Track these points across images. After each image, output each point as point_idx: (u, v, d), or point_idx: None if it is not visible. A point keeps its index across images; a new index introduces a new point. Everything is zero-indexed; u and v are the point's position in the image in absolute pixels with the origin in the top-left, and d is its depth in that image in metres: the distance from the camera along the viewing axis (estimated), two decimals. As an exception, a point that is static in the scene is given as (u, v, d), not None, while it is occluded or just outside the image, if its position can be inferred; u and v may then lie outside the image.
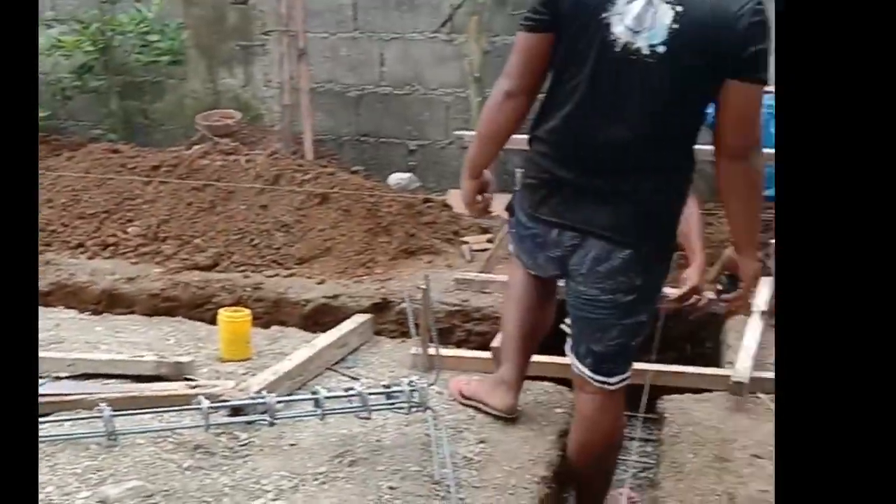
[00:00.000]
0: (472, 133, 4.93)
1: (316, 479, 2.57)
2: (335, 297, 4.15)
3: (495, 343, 3.32)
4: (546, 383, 3.20)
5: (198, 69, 6.31)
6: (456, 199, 5.29)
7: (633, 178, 2.32)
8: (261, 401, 2.70)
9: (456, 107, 5.84)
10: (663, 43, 2.18)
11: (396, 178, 5.69)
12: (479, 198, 2.62)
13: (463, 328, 4.04)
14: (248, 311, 3.51)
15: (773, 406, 3.02)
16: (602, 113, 2.29)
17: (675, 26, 2.17)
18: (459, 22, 5.61)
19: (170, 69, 6.27)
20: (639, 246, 2.34)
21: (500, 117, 2.46)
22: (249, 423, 2.77)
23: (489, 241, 4.68)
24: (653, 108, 2.25)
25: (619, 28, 2.21)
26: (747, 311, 3.53)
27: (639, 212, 2.33)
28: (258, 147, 5.42)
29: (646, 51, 2.20)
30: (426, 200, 5.10)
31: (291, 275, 4.36)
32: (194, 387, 2.99)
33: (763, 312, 3.58)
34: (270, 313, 4.17)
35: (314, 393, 2.74)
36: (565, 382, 3.04)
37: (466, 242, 4.72)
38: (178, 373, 3.17)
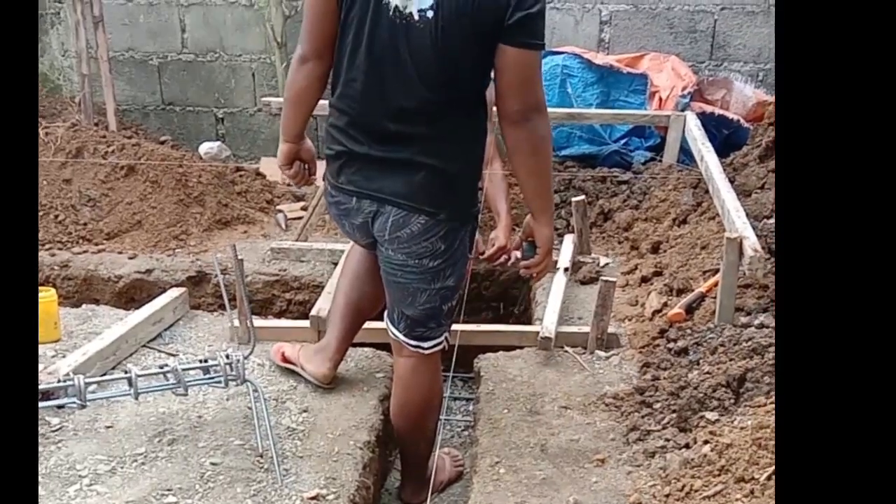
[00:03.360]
0: (279, 100, 4.93)
1: (135, 461, 2.53)
2: (148, 271, 4.05)
3: (314, 312, 3.35)
4: (367, 349, 3.25)
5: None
6: (270, 166, 5.24)
7: (420, 146, 2.34)
8: (70, 383, 2.60)
9: (262, 73, 5.75)
10: (430, 8, 2.20)
11: (206, 147, 5.56)
12: (297, 163, 2.62)
13: (283, 298, 4.04)
14: (53, 291, 3.37)
15: (579, 358, 3.21)
16: (382, 80, 2.30)
17: None
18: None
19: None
20: (434, 212, 2.38)
21: (298, 81, 2.46)
22: (59, 406, 2.67)
23: (303, 208, 4.67)
24: (428, 73, 2.26)
25: None
26: (547, 272, 3.70)
27: (429, 178, 2.35)
28: (58, 119, 5.15)
29: (416, 16, 2.21)
30: (238, 169, 5.02)
31: (101, 251, 4.20)
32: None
33: (566, 269, 3.76)
34: (81, 292, 4.03)
35: (126, 372, 2.67)
36: (385, 347, 3.11)
37: (281, 211, 4.69)
38: (-20, 360, 3.01)
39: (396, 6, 2.22)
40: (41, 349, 3.18)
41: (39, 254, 4.13)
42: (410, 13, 2.22)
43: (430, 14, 2.20)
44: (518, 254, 3.65)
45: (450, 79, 2.28)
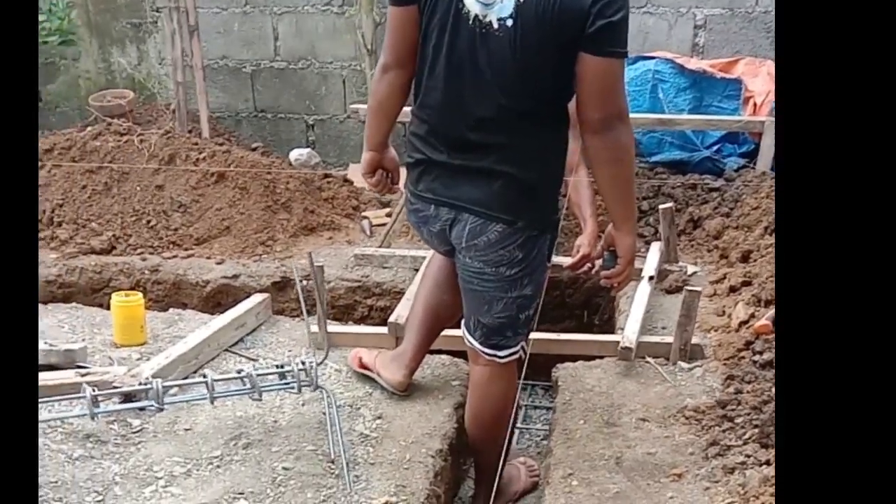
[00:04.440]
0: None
1: (210, 464, 2.57)
2: (235, 276, 4.13)
3: (392, 318, 3.34)
4: (443, 356, 3.24)
5: (90, 49, 6.13)
6: (356, 173, 5.29)
7: (498, 155, 2.32)
8: (149, 386, 2.66)
9: (352, 80, 5.81)
10: (511, 16, 2.18)
11: (296, 154, 5.65)
12: (380, 172, 2.62)
13: (364, 304, 4.06)
14: (140, 295, 3.46)
15: (660, 369, 3.12)
16: (461, 88, 2.29)
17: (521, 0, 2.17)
18: (350, -6, 5.58)
19: (60, 49, 6.08)
20: (511, 221, 2.36)
21: (381, 90, 2.48)
22: (140, 409, 2.73)
23: (388, 215, 4.69)
24: (507, 82, 2.24)
25: (471, 1, 2.21)
26: (629, 282, 3.62)
27: (506, 187, 2.34)
28: (153, 126, 5.30)
29: (496, 24, 2.19)
30: (325, 176, 5.07)
31: (190, 255, 4.30)
32: (84, 374, 2.93)
33: (650, 278, 3.68)
34: (170, 296, 4.13)
35: (203, 376, 2.72)
36: (462, 355, 3.09)
37: (366, 217, 4.72)
38: (70, 360, 3.11)
39: (476, 15, 2.21)
40: (127, 352, 3.27)
41: (131, 258, 4.26)
42: (490, 22, 2.20)
43: (509, 23, 2.19)
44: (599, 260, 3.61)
45: (529, 88, 2.26)
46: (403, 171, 2.63)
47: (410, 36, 2.35)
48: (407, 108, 2.51)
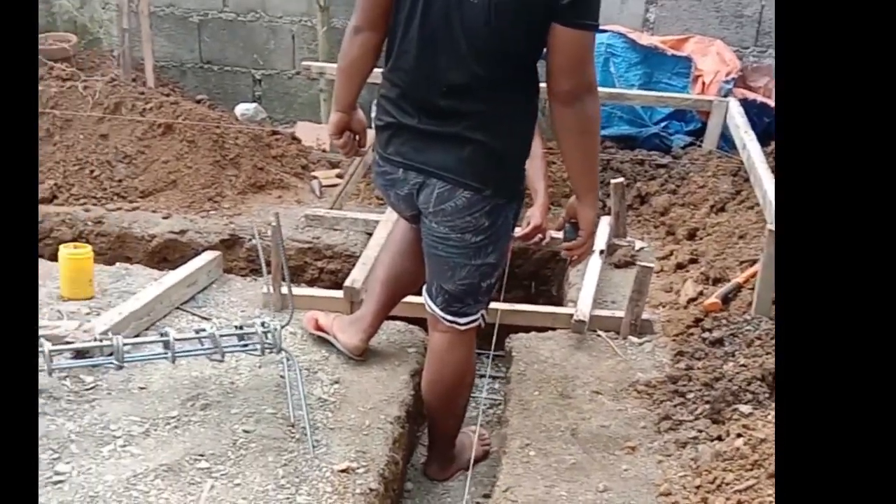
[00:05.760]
0: (319, 64, 4.91)
1: (168, 424, 2.55)
2: (182, 232, 4.06)
3: (348, 282, 3.34)
4: (399, 323, 3.25)
5: (28, -14, 5.90)
6: (305, 131, 5.23)
7: (469, 122, 2.32)
8: (107, 343, 2.61)
9: (302, 36, 5.71)
10: None
11: (242, 109, 5.55)
12: (348, 134, 2.60)
13: (315, 266, 4.03)
14: (89, 248, 3.38)
15: (611, 343, 3.19)
16: (434, 55, 2.28)
17: None
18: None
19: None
20: (480, 187, 2.36)
21: (351, 51, 2.46)
22: (95, 366, 2.69)
23: (339, 176, 4.66)
24: (480, 50, 2.24)
25: None
26: (589, 254, 3.67)
27: (476, 154, 2.34)
28: (97, 73, 5.14)
29: None
30: (273, 133, 5.00)
31: (135, 209, 4.21)
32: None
33: (601, 252, 3.73)
34: (114, 249, 4.05)
35: (163, 335, 2.68)
36: (419, 322, 3.11)
37: (316, 178, 4.68)
38: (16, 314, 3.03)
39: None
40: (75, 306, 3.20)
41: (74, 209, 4.15)
42: None
43: None
44: (553, 233, 3.65)
45: (502, 57, 2.26)
46: (371, 134, 2.62)
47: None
48: (378, 70, 2.49)
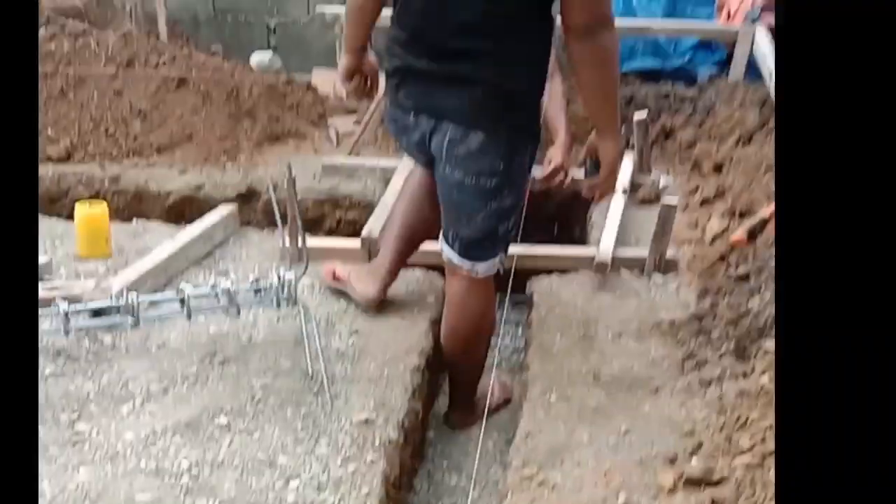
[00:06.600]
0: (334, 9, 4.81)
1: (186, 380, 2.53)
2: (198, 187, 4.02)
3: (365, 233, 3.29)
4: (417, 271, 3.20)
5: (38, -57, 5.83)
6: (321, 78, 5.15)
7: (480, 62, 2.26)
8: (124, 302, 2.60)
9: (317, -20, 5.61)
10: None
11: (258, 58, 5.48)
12: (358, 77, 2.56)
13: (333, 216, 3.99)
14: (104, 205, 3.36)
15: (635, 283, 3.12)
16: None
17: None
18: None
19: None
20: (492, 129, 2.31)
21: None
22: (112, 325, 2.67)
23: (356, 122, 4.59)
24: None
25: None
26: (612, 192, 3.60)
27: (488, 95, 2.28)
28: (109, 28, 5.09)
29: None
30: (289, 82, 4.93)
31: (151, 165, 4.18)
32: (51, 288, 2.86)
33: (624, 190, 3.65)
34: (131, 206, 4.02)
35: (179, 291, 2.65)
36: (437, 269, 3.06)
37: (332, 126, 4.62)
38: (34, 275, 3.02)
39: None
40: (93, 265, 3.19)
41: (91, 166, 4.13)
42: None
43: None
44: (575, 173, 3.57)
45: None
46: (383, 78, 2.56)
47: None
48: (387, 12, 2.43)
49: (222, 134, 4.33)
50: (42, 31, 4.72)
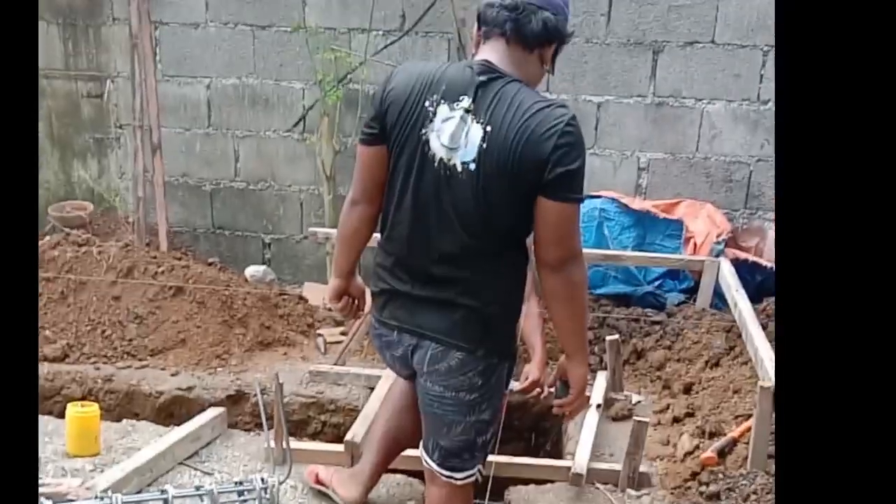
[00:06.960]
0: (325, 230, 5.11)
1: (167, 577, 2.56)
2: (189, 388, 4.14)
3: (349, 437, 3.40)
4: (398, 476, 3.29)
5: (51, 160, 6.19)
6: (312, 291, 5.39)
7: (460, 288, 2.43)
8: (107, 500, 2.65)
9: (310, 203, 5.95)
10: (474, 160, 2.30)
11: (252, 270, 5.73)
12: (346, 298, 2.75)
13: (318, 420, 4.10)
14: (96, 406, 3.47)
15: (609, 496, 3.22)
16: (426, 226, 2.41)
17: (484, 145, 2.28)
18: (312, 122, 5.75)
19: (20, 157, 6.09)
20: (471, 349, 2.46)
21: (349, 222, 2.64)
22: (96, 523, 2.72)
23: (343, 333, 4.78)
24: (470, 222, 2.36)
25: (437, 144, 2.33)
26: (581, 410, 3.74)
27: (467, 318, 2.44)
28: (112, 238, 5.36)
29: (459, 167, 2.32)
30: (281, 293, 5.16)
31: (144, 366, 4.31)
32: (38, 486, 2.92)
33: (598, 406, 3.81)
34: (122, 405, 4.12)
35: (163, 491, 2.73)
36: (418, 475, 3.15)
37: (321, 335, 4.80)
38: (23, 469, 3.08)
39: (441, 158, 2.35)
40: (81, 463, 3.26)
41: (84, 367, 4.26)
42: (454, 164, 2.33)
43: (472, 167, 2.31)
44: (550, 388, 3.72)
45: (490, 228, 2.38)
46: (369, 297, 2.75)
47: (379, 174, 2.49)
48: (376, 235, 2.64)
49: (215, 339, 4.49)
50: (47, 239, 4.98)
